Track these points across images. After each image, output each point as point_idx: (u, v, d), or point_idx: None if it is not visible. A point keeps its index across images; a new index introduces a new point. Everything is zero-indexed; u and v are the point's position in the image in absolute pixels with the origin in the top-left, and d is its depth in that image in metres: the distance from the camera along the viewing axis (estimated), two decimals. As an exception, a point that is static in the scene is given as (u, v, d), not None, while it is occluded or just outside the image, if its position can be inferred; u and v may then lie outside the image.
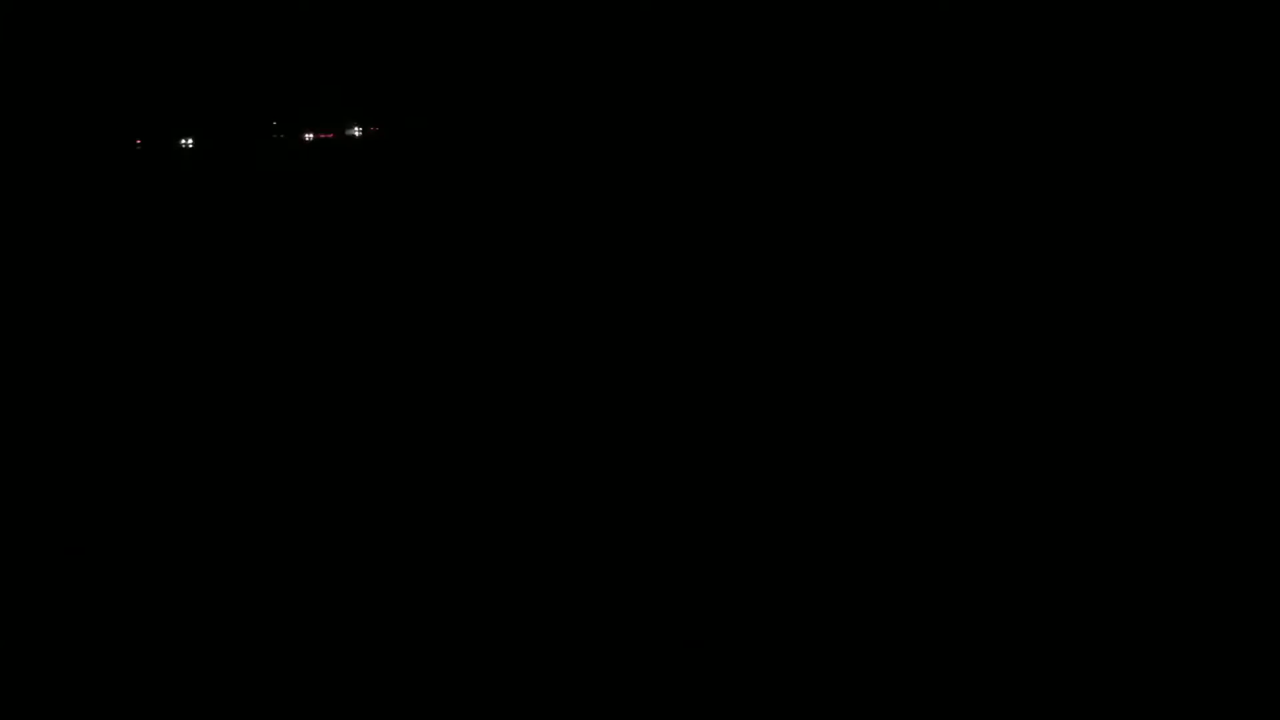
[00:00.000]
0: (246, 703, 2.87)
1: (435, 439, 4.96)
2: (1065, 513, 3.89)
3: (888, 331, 6.33)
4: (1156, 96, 6.21)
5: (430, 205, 8.31)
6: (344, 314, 7.27)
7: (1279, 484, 4.02)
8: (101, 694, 2.93)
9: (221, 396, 5.69)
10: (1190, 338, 5.83)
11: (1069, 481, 4.15)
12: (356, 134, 6.70)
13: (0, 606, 3.44)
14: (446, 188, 7.92)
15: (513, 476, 4.45)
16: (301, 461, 4.73)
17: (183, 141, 6.67)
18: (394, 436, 5.00)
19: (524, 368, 6.01)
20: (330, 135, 6.82)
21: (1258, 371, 5.28)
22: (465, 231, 8.10)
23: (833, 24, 6.03)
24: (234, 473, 4.60)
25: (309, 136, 6.46)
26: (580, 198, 7.26)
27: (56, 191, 7.17)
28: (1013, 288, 6.76)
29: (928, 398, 5.25)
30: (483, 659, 3.04)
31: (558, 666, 2.98)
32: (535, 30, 5.95)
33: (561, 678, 2.93)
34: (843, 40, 6.06)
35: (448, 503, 4.21)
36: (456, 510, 4.14)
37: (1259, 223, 6.36)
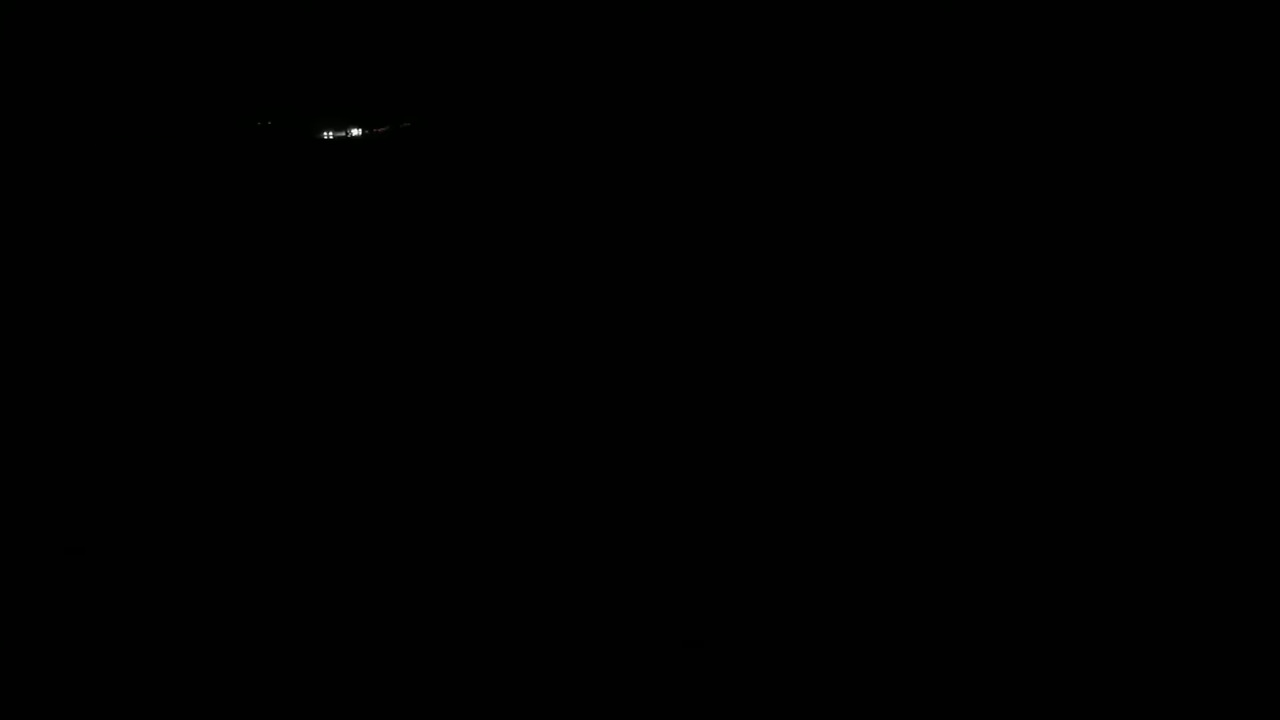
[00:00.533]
0: (247, 703, 2.87)
1: (435, 439, 4.95)
2: (1064, 512, 3.89)
3: (886, 331, 6.32)
4: (1156, 97, 6.22)
5: (429, 205, 8.30)
6: (343, 314, 7.26)
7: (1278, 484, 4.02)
8: (102, 694, 2.92)
9: (220, 396, 5.68)
10: (1189, 337, 5.82)
11: (1067, 481, 4.15)
12: (356, 134, 6.71)
13: (0, 606, 3.44)
14: (446, 188, 7.91)
15: (512, 476, 4.45)
16: (300, 461, 4.72)
17: (183, 142, 6.67)
18: (394, 436, 4.99)
19: (523, 367, 6.00)
20: (331, 135, 6.82)
21: (1257, 371, 5.28)
22: (465, 231, 8.09)
23: (833, 24, 6.04)
24: (232, 472, 4.59)
25: (326, 135, 6.46)
26: (580, 198, 7.26)
27: (56, 190, 7.16)
28: (1011, 287, 6.75)
29: (926, 397, 5.24)
30: (482, 659, 3.04)
31: (557, 666, 2.98)
32: (535, 30, 5.95)
33: (561, 678, 2.93)
34: (843, 40, 6.07)
35: (447, 502, 4.21)
36: (456, 509, 4.13)
37: (1259, 223, 6.35)
